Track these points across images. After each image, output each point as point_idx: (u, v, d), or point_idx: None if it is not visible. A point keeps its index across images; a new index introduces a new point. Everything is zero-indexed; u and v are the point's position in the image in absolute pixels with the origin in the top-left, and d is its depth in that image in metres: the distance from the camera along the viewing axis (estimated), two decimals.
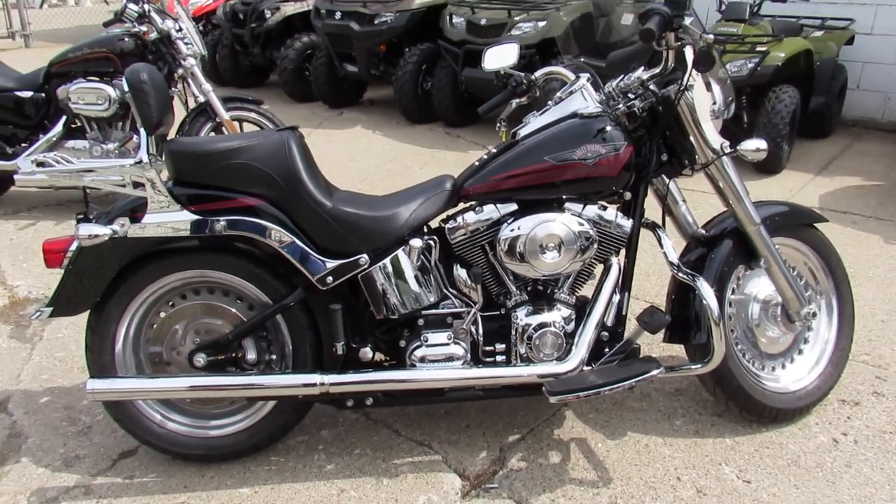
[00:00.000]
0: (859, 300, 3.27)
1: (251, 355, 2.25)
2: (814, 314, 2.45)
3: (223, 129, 4.44)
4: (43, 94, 4.37)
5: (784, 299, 2.41)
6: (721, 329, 2.19)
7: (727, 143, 2.24)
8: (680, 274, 2.27)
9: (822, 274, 2.54)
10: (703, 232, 2.43)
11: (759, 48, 4.89)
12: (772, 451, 2.35)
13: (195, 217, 2.07)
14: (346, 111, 7.19)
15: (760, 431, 2.44)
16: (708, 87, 2.23)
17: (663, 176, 2.33)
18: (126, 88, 4.19)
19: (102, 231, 2.03)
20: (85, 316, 2.20)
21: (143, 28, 4.28)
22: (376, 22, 6.42)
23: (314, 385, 2.15)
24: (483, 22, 5.86)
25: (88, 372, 2.21)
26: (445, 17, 6.22)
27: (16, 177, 4.06)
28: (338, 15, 6.56)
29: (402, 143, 6.04)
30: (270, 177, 2.09)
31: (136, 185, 2.08)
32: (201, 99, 4.40)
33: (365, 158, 5.64)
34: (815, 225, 2.52)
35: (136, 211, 2.09)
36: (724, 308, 2.34)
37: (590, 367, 2.24)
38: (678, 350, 2.76)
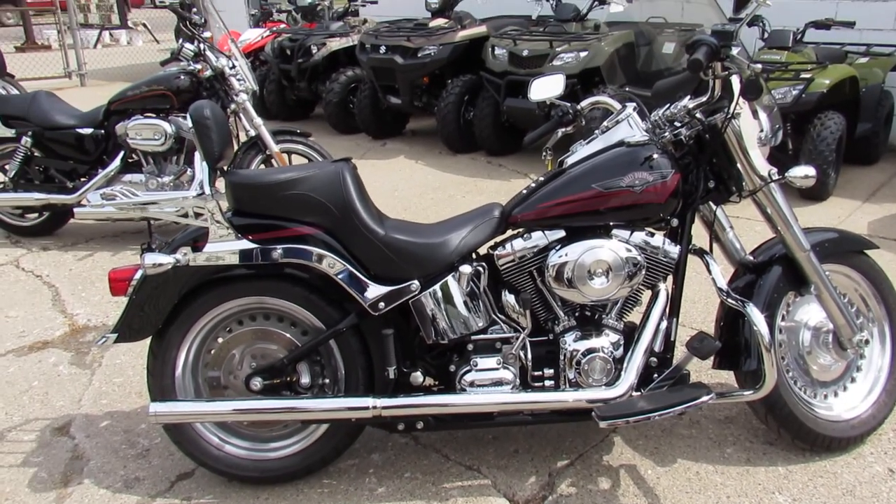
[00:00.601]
0: None
1: (305, 379, 2.31)
2: (866, 341, 2.42)
3: (273, 161, 4.57)
4: (102, 131, 4.56)
5: (835, 326, 2.39)
6: (772, 355, 2.18)
7: (775, 169, 2.25)
8: (729, 300, 2.27)
9: (874, 301, 2.51)
10: (752, 258, 2.43)
11: (803, 75, 4.87)
12: (826, 481, 2.31)
13: (253, 246, 2.16)
14: (390, 142, 7.33)
15: (814, 460, 2.41)
16: (755, 114, 2.26)
17: (710, 203, 2.35)
18: (181, 124, 4.39)
19: (166, 260, 2.12)
20: (143, 343, 2.29)
21: (199, 66, 4.45)
22: (420, 55, 6.56)
23: (366, 408, 2.20)
24: (525, 53, 5.95)
25: (149, 396, 2.30)
26: (488, 48, 6.33)
27: (77, 210, 4.27)
28: (382, 49, 6.72)
29: (445, 173, 6.13)
30: (325, 206, 2.16)
31: (198, 215, 2.17)
32: (252, 133, 4.55)
33: (408, 188, 5.74)
34: (866, 251, 2.50)
35: (197, 240, 2.18)
36: (775, 334, 2.33)
37: (639, 393, 2.25)
38: (728, 377, 2.75)
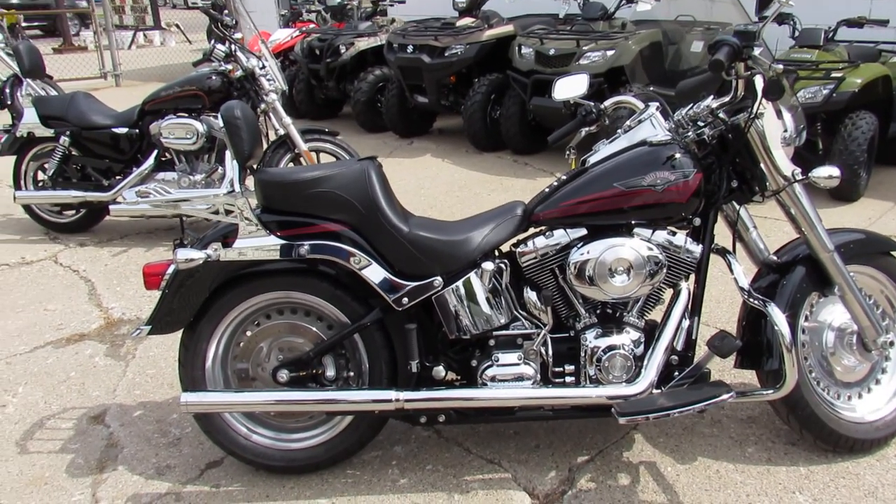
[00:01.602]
0: None
1: (330, 372, 2.37)
2: (891, 343, 2.41)
3: (301, 159, 4.65)
4: (137, 130, 4.69)
5: (860, 327, 2.38)
6: (793, 355, 2.18)
7: (798, 170, 2.25)
8: (751, 299, 2.28)
9: None
10: (775, 258, 2.43)
11: (834, 74, 4.82)
12: (848, 482, 2.31)
13: (281, 242, 2.22)
14: (417, 140, 7.39)
15: (836, 461, 2.40)
16: (779, 114, 2.26)
17: (734, 202, 2.35)
18: (213, 124, 4.48)
19: (198, 255, 2.19)
20: (175, 335, 2.37)
21: (230, 66, 4.55)
22: (447, 54, 6.61)
23: (390, 401, 2.24)
24: (552, 52, 5.96)
25: (181, 386, 2.37)
26: (514, 47, 6.35)
27: (112, 207, 4.39)
28: (409, 48, 6.78)
29: (471, 171, 6.17)
30: (351, 204, 2.22)
31: (228, 212, 2.24)
32: (281, 131, 4.63)
33: (434, 186, 5.79)
34: (893, 253, 2.48)
35: (227, 237, 2.25)
36: (797, 334, 2.33)
37: (659, 391, 2.27)
38: (750, 376, 2.75)
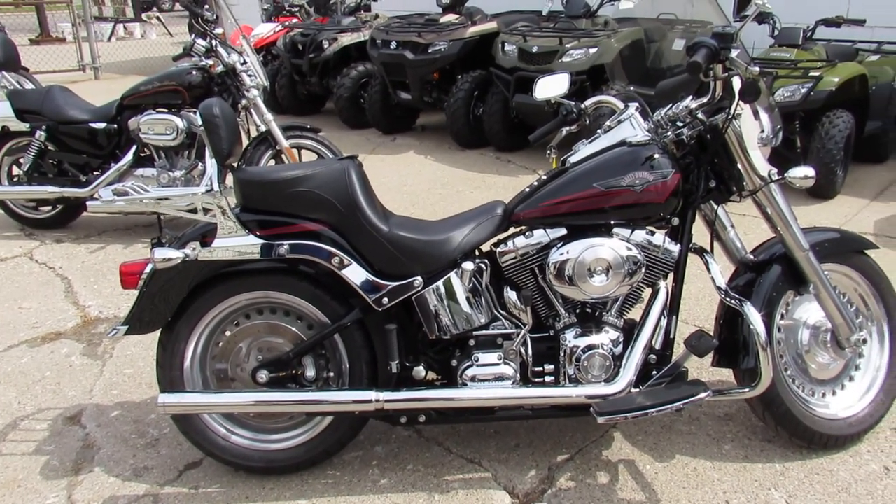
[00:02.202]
0: None
1: (310, 372, 2.36)
2: (864, 341, 2.45)
3: (283, 156, 4.63)
4: (115, 125, 4.63)
5: (834, 325, 2.41)
6: (768, 354, 2.21)
7: (775, 170, 2.28)
8: (728, 299, 2.30)
9: (874, 300, 2.53)
10: (752, 257, 2.45)
11: (812, 73, 4.87)
12: (822, 478, 2.34)
13: (261, 241, 2.21)
14: (400, 137, 7.37)
15: (810, 458, 2.43)
16: (756, 115, 2.28)
17: (712, 202, 2.37)
18: (193, 120, 4.44)
19: (175, 255, 2.17)
20: (153, 334, 2.35)
21: (210, 62, 4.51)
22: (430, 51, 6.60)
23: (370, 402, 2.24)
24: (535, 49, 5.97)
25: (158, 387, 2.35)
26: (498, 45, 6.35)
27: (90, 203, 4.34)
28: (393, 45, 6.76)
29: (454, 168, 6.17)
30: (331, 203, 2.21)
31: (207, 211, 2.22)
32: (263, 128, 4.60)
33: (417, 182, 5.78)
34: (866, 251, 2.52)
35: (206, 236, 2.23)
36: (772, 333, 2.36)
37: (637, 390, 2.29)
38: (727, 374, 2.77)
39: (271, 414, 2.41)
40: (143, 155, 4.63)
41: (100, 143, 4.65)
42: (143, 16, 16.37)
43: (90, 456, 2.57)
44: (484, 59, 6.54)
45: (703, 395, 2.22)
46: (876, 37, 5.99)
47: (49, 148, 4.69)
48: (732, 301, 2.28)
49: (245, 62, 4.55)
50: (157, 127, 4.44)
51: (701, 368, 2.91)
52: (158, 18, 16.53)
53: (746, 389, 2.29)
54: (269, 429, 2.45)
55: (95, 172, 4.68)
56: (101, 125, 4.62)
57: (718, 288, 2.31)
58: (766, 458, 2.44)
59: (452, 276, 2.27)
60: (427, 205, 5.23)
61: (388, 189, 5.62)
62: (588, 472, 2.41)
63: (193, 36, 4.60)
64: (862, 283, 2.52)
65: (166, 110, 4.52)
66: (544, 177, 2.35)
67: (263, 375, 2.31)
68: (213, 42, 4.48)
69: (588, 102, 2.56)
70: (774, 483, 2.33)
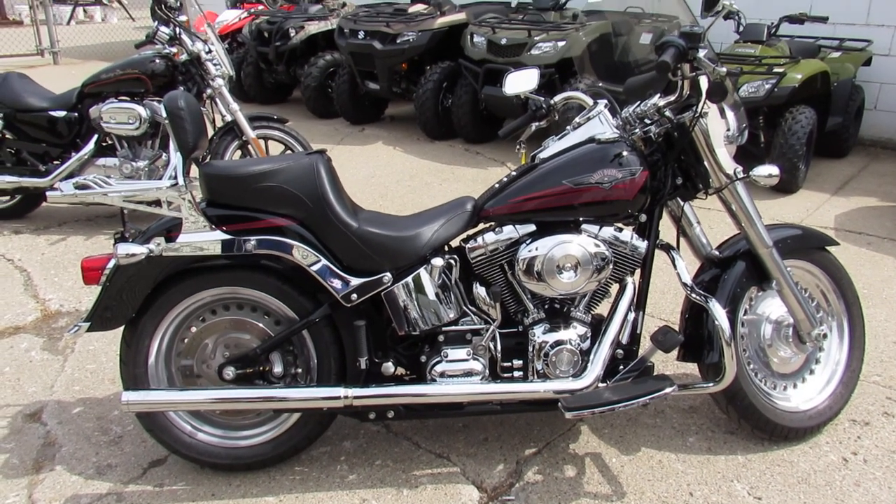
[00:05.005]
0: (872, 321, 3.32)
1: (278, 369, 2.34)
2: (825, 335, 2.50)
3: (249, 147, 4.56)
4: (76, 114, 4.52)
5: (795, 320, 2.46)
6: (732, 349, 2.25)
7: (740, 168, 2.31)
8: (693, 295, 2.33)
9: (834, 296, 2.59)
10: (717, 253, 2.49)
11: (776, 69, 4.95)
12: (783, 469, 2.40)
13: (227, 237, 2.17)
14: (368, 127, 7.32)
15: (772, 449, 2.49)
16: (722, 113, 2.31)
17: (678, 199, 2.40)
18: (156, 109, 4.36)
19: (139, 250, 2.13)
20: (117, 329, 2.30)
21: (174, 50, 4.42)
22: (398, 41, 6.55)
23: (338, 398, 2.23)
24: (503, 41, 5.97)
25: (122, 384, 2.31)
26: (466, 36, 6.33)
27: (49, 193, 4.22)
28: (361, 34, 6.70)
29: (423, 160, 6.15)
30: (299, 198, 2.18)
31: (171, 204, 2.18)
32: (228, 118, 4.53)
33: (386, 174, 5.75)
34: (828, 248, 2.57)
35: (171, 231, 2.19)
36: (737, 328, 2.40)
37: (605, 384, 2.31)
38: (692, 368, 2.82)
39: (238, 411, 2.39)
40: (104, 144, 4.53)
41: (60, 131, 4.54)
42: None
43: (51, 454, 2.52)
44: (453, 51, 6.53)
45: (668, 389, 2.25)
46: (837, 34, 6.11)
47: (6, 136, 4.56)
48: (698, 297, 2.32)
49: (210, 50, 4.46)
50: (119, 116, 4.35)
51: (666, 362, 2.96)
52: (119, 2, 16.14)
53: (711, 384, 2.33)
54: (237, 425, 2.42)
55: (55, 162, 4.57)
56: (61, 113, 4.51)
57: (684, 284, 2.35)
58: (730, 450, 2.49)
59: (422, 271, 2.26)
60: (396, 197, 5.21)
61: (356, 181, 5.58)
62: (555, 465, 2.43)
63: (156, 23, 4.50)
64: (823, 279, 2.58)
65: (129, 99, 4.43)
66: (514, 173, 2.35)
67: (230, 372, 2.29)
68: (177, 29, 4.39)
69: (557, 98, 2.57)
70: (737, 475, 2.38)
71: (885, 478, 2.35)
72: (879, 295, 3.63)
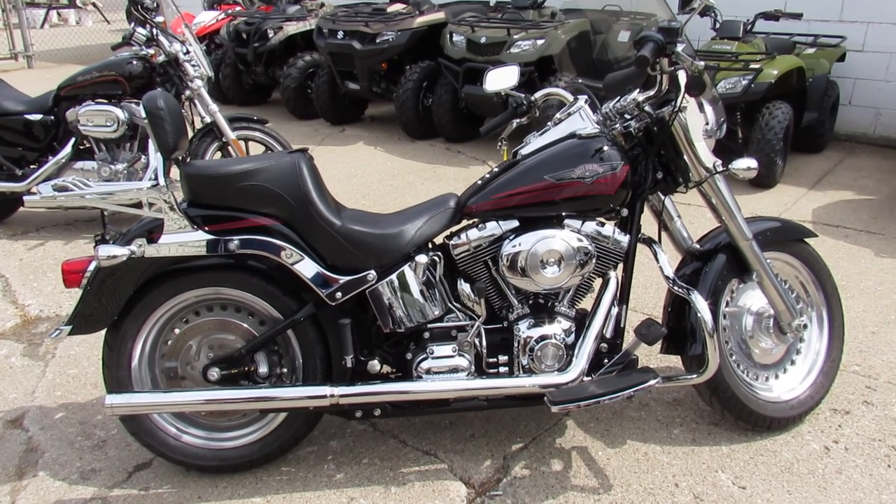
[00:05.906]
0: (851, 312, 3.36)
1: (263, 369, 2.33)
2: (805, 326, 2.54)
3: (229, 148, 4.53)
4: (52, 117, 4.46)
5: (776, 312, 2.50)
6: (715, 341, 2.28)
7: (719, 161, 2.34)
8: (675, 287, 2.35)
9: (813, 287, 2.63)
10: (698, 247, 2.52)
11: (752, 65, 5.00)
12: (766, 459, 2.43)
13: (210, 237, 2.16)
14: (348, 128, 7.30)
15: (755, 439, 2.52)
16: (701, 108, 2.33)
17: (659, 193, 2.42)
18: (134, 111, 4.32)
19: (120, 252, 2.11)
20: (98, 333, 2.28)
21: (151, 51, 4.38)
22: (378, 41, 6.54)
23: (324, 397, 2.23)
24: (483, 40, 5.98)
25: (105, 388, 2.29)
26: (446, 35, 6.34)
27: (26, 198, 4.16)
28: (340, 34, 6.68)
29: (404, 159, 6.15)
30: (282, 197, 2.18)
31: (152, 206, 2.17)
32: (208, 119, 4.49)
33: (367, 174, 5.74)
34: (806, 240, 2.60)
35: (152, 232, 2.18)
36: (719, 320, 2.42)
37: (590, 378, 2.33)
38: (675, 361, 2.84)
39: (224, 412, 2.37)
40: (82, 147, 4.47)
41: (36, 135, 4.48)
42: (78, 1, 15.78)
43: (34, 460, 2.49)
44: (432, 50, 6.52)
45: (653, 382, 2.27)
46: (812, 30, 6.19)
47: None
48: (680, 290, 2.34)
49: (188, 51, 4.43)
50: (96, 118, 4.30)
51: (650, 355, 2.98)
52: (94, 5, 15.95)
53: (694, 376, 2.36)
54: (222, 427, 2.41)
55: (32, 166, 4.50)
56: (37, 117, 4.45)
57: (666, 277, 2.37)
58: (714, 441, 2.52)
59: (406, 269, 2.27)
60: (378, 196, 5.20)
61: (338, 181, 5.57)
62: (542, 459, 2.44)
63: (133, 24, 4.46)
64: (802, 271, 2.61)
65: (106, 101, 4.38)
66: (496, 169, 2.36)
67: (215, 373, 2.27)
68: (154, 30, 4.35)
69: (538, 95, 2.58)
70: (721, 465, 2.40)
71: (866, 465, 2.39)
72: (857, 286, 3.69)
